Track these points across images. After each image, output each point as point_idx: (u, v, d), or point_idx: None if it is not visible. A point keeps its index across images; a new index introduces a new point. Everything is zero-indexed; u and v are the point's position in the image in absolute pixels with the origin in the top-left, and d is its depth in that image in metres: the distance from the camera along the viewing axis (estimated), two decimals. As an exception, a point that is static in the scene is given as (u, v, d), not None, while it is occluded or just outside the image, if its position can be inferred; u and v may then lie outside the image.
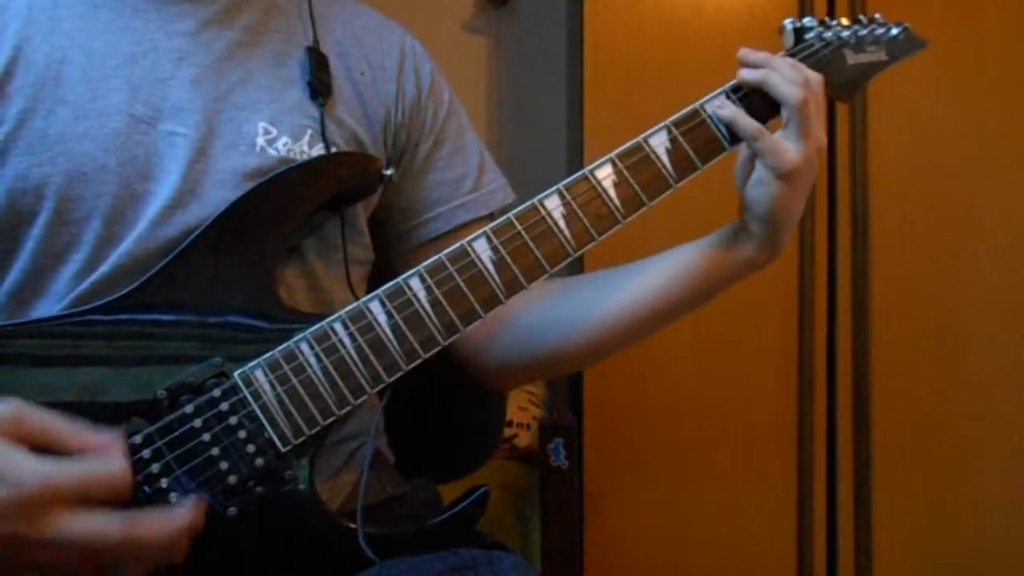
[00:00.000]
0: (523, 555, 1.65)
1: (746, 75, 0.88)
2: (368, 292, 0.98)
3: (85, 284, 0.83)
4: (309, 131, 0.89)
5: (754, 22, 1.78)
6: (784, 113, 0.85)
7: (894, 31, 0.94)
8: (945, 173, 1.82)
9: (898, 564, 1.84)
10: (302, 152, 0.88)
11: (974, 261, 1.83)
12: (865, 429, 1.82)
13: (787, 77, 0.85)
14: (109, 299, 0.80)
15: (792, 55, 0.90)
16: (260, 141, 0.87)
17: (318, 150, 0.89)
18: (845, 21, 0.93)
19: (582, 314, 0.95)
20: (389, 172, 0.89)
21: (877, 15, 0.95)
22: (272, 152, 0.87)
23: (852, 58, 0.92)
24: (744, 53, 0.88)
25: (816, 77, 0.87)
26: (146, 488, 0.73)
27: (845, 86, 0.92)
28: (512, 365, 0.99)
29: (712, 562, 1.85)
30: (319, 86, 0.90)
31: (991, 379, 1.83)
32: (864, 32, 0.93)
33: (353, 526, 0.79)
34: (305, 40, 0.94)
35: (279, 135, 0.88)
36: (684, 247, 0.94)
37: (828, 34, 0.91)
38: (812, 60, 0.90)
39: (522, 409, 1.92)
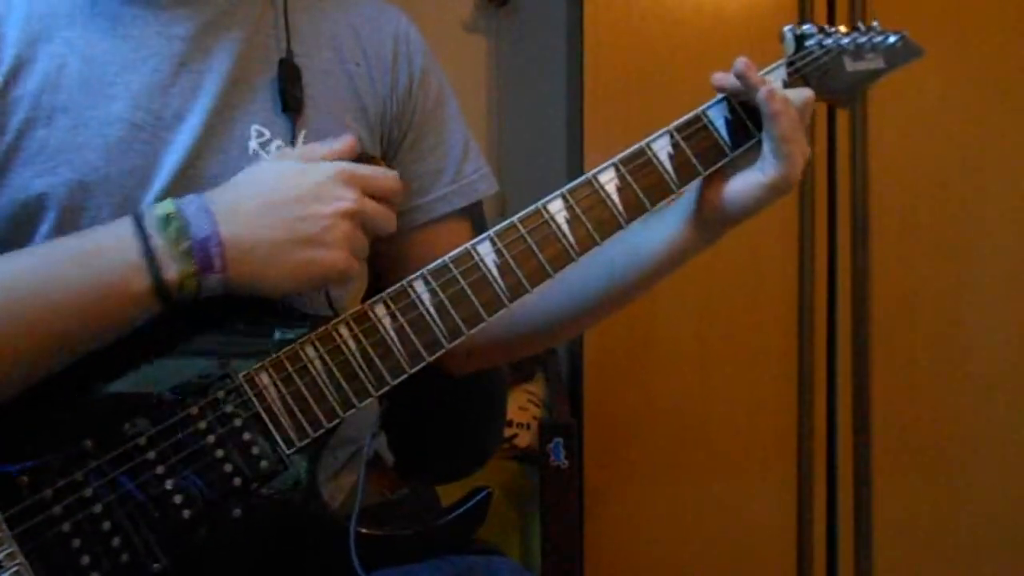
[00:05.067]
0: (523, 555, 1.66)
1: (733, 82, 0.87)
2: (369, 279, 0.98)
3: None
4: (303, 131, 0.88)
5: (754, 22, 1.78)
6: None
7: (891, 39, 0.94)
8: (945, 173, 1.82)
9: (898, 564, 1.84)
10: None
11: (975, 261, 1.83)
12: (865, 429, 1.82)
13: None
14: None
15: (792, 62, 0.90)
16: (253, 144, 0.86)
17: None
18: (844, 28, 0.94)
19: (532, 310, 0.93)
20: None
21: (875, 23, 0.95)
22: (264, 155, 0.86)
23: (851, 65, 0.92)
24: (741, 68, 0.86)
25: (801, 95, 0.86)
26: (150, 490, 0.73)
27: (844, 93, 0.93)
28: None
29: (712, 562, 1.85)
30: (291, 101, 0.88)
31: (991, 379, 1.83)
32: (863, 40, 0.93)
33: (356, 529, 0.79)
34: (284, 40, 0.91)
35: (272, 137, 0.87)
36: (640, 246, 0.91)
37: (828, 41, 0.92)
38: (812, 67, 0.90)
39: (522, 409, 1.92)
